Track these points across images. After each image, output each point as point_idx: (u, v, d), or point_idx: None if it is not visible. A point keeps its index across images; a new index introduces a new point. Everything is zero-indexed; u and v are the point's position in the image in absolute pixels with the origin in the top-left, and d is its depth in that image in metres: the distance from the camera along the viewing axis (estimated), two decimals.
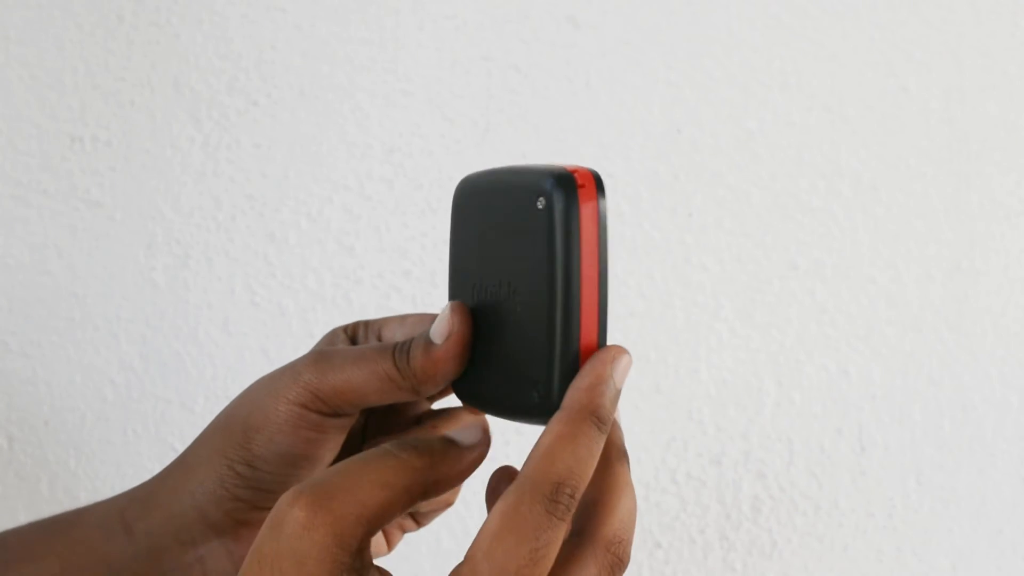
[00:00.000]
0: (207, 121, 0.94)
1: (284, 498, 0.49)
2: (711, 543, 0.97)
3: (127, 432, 0.94)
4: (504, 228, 0.53)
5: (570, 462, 0.49)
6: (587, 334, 0.52)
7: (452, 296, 0.56)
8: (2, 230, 0.93)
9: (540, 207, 0.51)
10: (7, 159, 0.93)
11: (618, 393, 0.51)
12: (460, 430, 0.54)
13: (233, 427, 0.58)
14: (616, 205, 0.96)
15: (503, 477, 0.54)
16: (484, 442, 0.54)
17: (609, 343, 0.52)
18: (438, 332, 0.55)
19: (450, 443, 0.53)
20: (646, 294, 0.96)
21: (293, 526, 0.48)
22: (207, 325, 0.94)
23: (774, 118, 0.98)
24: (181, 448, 0.93)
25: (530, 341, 0.52)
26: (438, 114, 0.95)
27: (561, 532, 0.49)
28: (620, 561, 0.52)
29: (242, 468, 0.57)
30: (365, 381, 0.56)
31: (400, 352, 0.56)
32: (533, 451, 0.50)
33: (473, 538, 0.49)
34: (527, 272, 0.52)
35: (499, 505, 0.49)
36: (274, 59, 0.94)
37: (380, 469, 0.50)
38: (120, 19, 0.93)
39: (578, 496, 0.49)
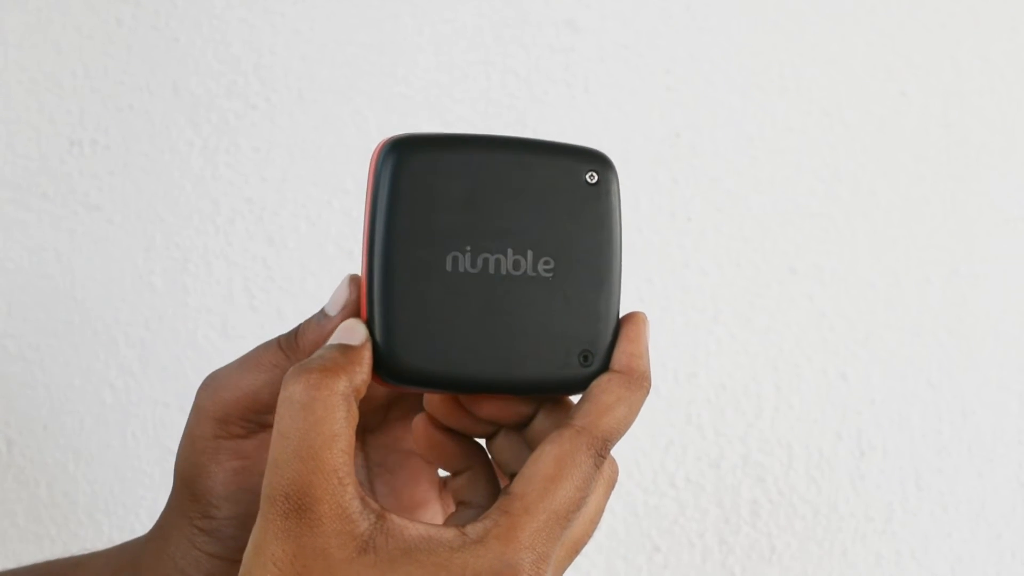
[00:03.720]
0: (206, 125, 0.94)
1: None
2: (710, 547, 0.97)
3: (126, 436, 0.93)
4: (523, 199, 0.53)
5: (621, 420, 0.52)
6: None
7: (396, 266, 0.52)
8: (1, 233, 0.93)
9: (592, 181, 0.53)
10: (6, 162, 0.93)
11: None
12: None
13: (179, 484, 0.59)
14: None
15: (428, 422, 0.56)
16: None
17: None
18: (333, 303, 0.55)
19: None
20: (644, 298, 0.96)
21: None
22: (206, 329, 0.94)
23: (773, 122, 0.98)
24: None
25: (574, 308, 0.53)
26: (437, 118, 0.95)
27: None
28: (615, 475, 0.55)
29: (201, 522, 0.58)
30: (254, 380, 0.56)
31: (286, 337, 0.56)
32: (590, 405, 0.52)
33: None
34: (570, 241, 0.53)
35: (554, 450, 0.51)
36: (273, 63, 0.94)
37: (318, 429, 0.50)
38: (119, 23, 0.93)
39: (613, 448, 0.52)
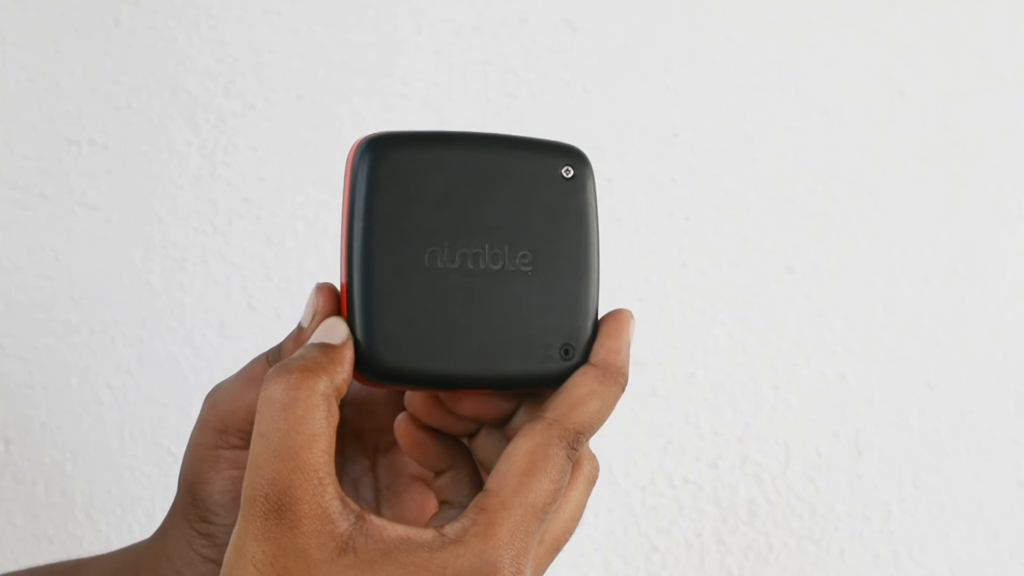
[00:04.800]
0: (204, 124, 0.94)
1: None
2: (708, 547, 0.97)
3: (123, 435, 0.94)
4: (500, 194, 0.53)
5: (594, 414, 0.52)
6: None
7: (375, 264, 0.52)
8: None
9: (568, 176, 0.54)
10: (4, 162, 0.93)
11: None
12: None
13: (183, 488, 0.59)
14: (613, 209, 0.96)
15: (410, 422, 0.56)
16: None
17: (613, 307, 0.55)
18: (306, 315, 0.54)
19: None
20: (643, 297, 0.96)
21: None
22: (204, 328, 0.94)
23: (771, 122, 0.98)
24: (177, 452, 0.93)
25: (554, 302, 0.53)
26: (435, 117, 0.95)
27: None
28: (596, 472, 0.55)
29: (201, 526, 0.58)
30: (248, 394, 0.56)
31: (273, 352, 0.57)
32: (562, 397, 0.52)
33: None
34: (548, 235, 0.53)
35: (526, 444, 0.51)
36: (271, 62, 0.94)
37: (298, 429, 0.50)
38: (117, 22, 0.93)
39: (587, 442, 0.52)
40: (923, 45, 0.99)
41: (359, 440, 0.61)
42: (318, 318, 0.54)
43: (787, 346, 0.97)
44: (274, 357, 0.57)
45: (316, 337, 0.52)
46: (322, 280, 0.55)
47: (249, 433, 0.56)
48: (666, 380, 0.96)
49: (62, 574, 0.65)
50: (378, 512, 0.61)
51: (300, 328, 0.55)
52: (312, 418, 0.49)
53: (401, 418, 0.57)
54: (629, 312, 0.55)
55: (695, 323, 0.97)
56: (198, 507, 0.58)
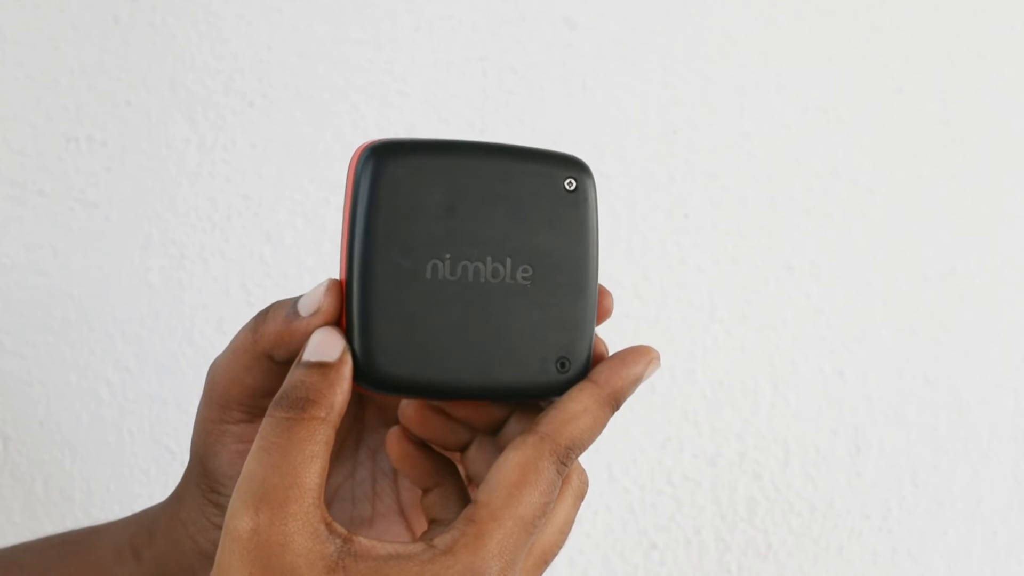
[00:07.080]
0: (203, 121, 0.94)
1: (230, 521, 0.49)
2: (707, 544, 0.97)
3: (122, 432, 0.94)
4: (502, 206, 0.53)
5: (585, 431, 0.52)
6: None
7: (375, 274, 0.52)
8: None
9: (570, 188, 0.53)
10: (3, 159, 0.93)
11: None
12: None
13: (194, 459, 0.59)
14: (612, 206, 0.96)
15: (402, 435, 0.57)
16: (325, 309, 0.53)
17: (641, 343, 0.56)
18: (307, 304, 0.53)
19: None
20: (641, 295, 0.96)
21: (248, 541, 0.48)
22: (202, 326, 0.94)
23: (770, 119, 0.98)
24: (176, 449, 0.93)
25: (551, 316, 0.53)
26: (434, 115, 0.95)
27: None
28: (584, 487, 0.55)
29: (212, 496, 0.58)
30: (236, 365, 0.56)
31: (258, 318, 0.56)
32: (556, 412, 0.52)
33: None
34: (548, 248, 0.53)
35: (517, 457, 0.51)
36: (270, 59, 0.94)
37: (300, 447, 0.50)
38: (116, 20, 0.93)
39: (577, 458, 0.52)
40: (922, 42, 0.99)
41: (382, 411, 0.61)
42: (318, 320, 0.53)
43: (785, 343, 0.97)
44: (258, 324, 0.55)
45: (312, 353, 0.51)
46: (321, 278, 0.55)
47: (249, 405, 0.57)
48: (664, 377, 0.97)
49: (75, 542, 0.65)
50: (396, 483, 0.62)
51: (296, 312, 0.53)
52: (313, 440, 0.49)
53: (393, 431, 0.57)
54: (656, 352, 0.55)
55: (694, 320, 0.97)
56: (208, 478, 0.58)
